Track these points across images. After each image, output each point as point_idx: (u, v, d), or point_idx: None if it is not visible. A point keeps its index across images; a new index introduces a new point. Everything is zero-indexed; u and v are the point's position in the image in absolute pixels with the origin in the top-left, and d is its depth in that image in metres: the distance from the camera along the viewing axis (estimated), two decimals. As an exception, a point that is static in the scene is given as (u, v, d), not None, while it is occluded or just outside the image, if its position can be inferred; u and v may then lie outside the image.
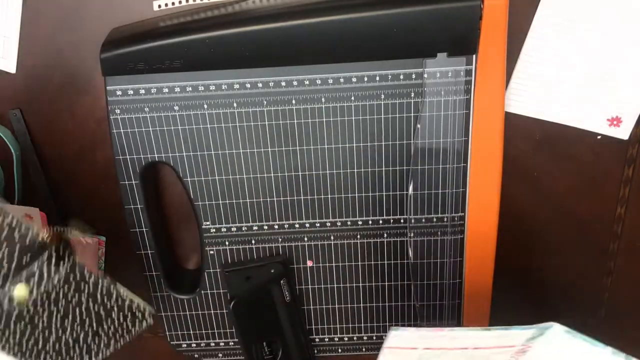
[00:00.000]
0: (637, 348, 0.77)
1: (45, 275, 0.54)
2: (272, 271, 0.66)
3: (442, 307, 0.70)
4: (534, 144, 0.67)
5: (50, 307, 0.56)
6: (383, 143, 0.63)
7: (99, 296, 0.58)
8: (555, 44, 0.62)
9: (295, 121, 0.62)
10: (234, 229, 0.66)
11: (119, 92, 0.60)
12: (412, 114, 0.61)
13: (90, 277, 0.57)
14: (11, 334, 0.55)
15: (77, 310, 0.58)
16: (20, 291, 0.53)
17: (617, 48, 0.62)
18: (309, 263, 0.68)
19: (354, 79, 0.60)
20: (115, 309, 0.60)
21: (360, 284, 0.69)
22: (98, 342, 0.61)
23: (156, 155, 0.63)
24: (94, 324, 0.59)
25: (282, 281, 0.66)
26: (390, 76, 0.60)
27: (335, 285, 0.69)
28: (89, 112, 0.66)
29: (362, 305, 0.70)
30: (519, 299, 0.73)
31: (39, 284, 0.54)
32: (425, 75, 0.60)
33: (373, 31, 0.57)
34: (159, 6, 0.62)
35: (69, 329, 0.58)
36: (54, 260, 0.54)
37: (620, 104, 0.64)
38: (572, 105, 0.64)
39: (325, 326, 0.71)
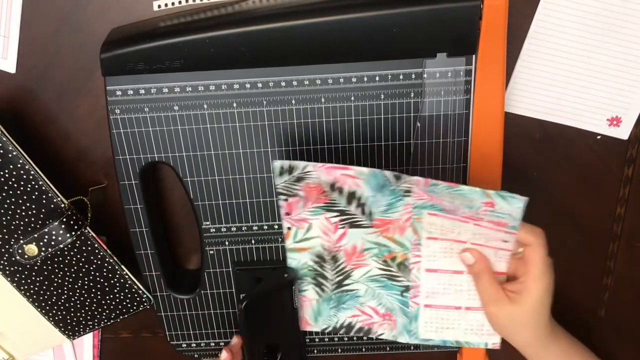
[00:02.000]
0: (637, 348, 0.77)
1: (55, 238, 0.61)
2: (286, 275, 0.65)
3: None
4: (534, 144, 0.67)
5: (64, 269, 0.65)
6: (383, 143, 0.63)
7: (105, 271, 0.66)
8: (555, 44, 0.62)
9: (295, 121, 0.62)
10: (234, 229, 0.66)
11: (119, 92, 0.60)
12: (412, 114, 0.61)
13: (100, 252, 0.65)
14: (32, 283, 0.66)
15: (86, 278, 0.66)
16: (30, 247, 0.62)
17: (617, 48, 0.62)
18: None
19: (354, 79, 0.60)
20: (118, 286, 0.67)
21: (360, 284, 0.69)
22: (100, 312, 0.69)
23: (156, 155, 0.63)
24: (99, 295, 0.67)
25: (294, 287, 0.65)
26: (390, 76, 0.60)
27: (335, 285, 0.69)
28: (89, 112, 0.66)
29: (362, 305, 0.70)
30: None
31: (49, 245, 0.62)
32: (425, 75, 0.60)
33: (373, 31, 0.57)
34: (159, 6, 0.62)
35: (78, 292, 0.67)
36: (65, 227, 0.61)
37: (620, 104, 0.64)
38: (572, 105, 0.64)
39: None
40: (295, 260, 0.65)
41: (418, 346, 0.73)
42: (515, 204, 0.54)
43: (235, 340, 0.68)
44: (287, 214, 0.62)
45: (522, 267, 0.58)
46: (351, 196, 0.59)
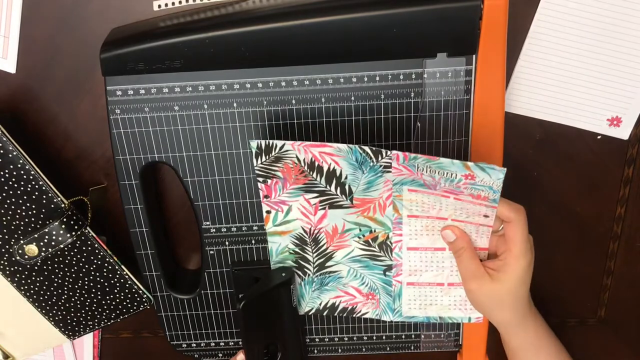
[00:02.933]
0: (637, 348, 0.77)
1: (55, 238, 0.61)
2: (283, 274, 0.65)
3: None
4: (534, 144, 0.67)
5: (64, 269, 0.65)
6: (383, 143, 0.62)
7: (105, 271, 0.66)
8: (555, 44, 0.62)
9: (295, 121, 0.62)
10: (234, 229, 0.66)
11: (119, 92, 0.60)
12: (412, 114, 0.61)
13: (100, 252, 0.64)
14: (32, 283, 0.66)
15: (86, 278, 0.66)
16: (30, 247, 0.62)
17: (617, 48, 0.62)
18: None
19: (354, 79, 0.60)
20: (118, 286, 0.67)
21: (360, 284, 0.69)
22: (100, 312, 0.69)
23: (156, 155, 0.63)
24: (99, 295, 0.67)
25: (292, 286, 0.65)
26: (390, 76, 0.60)
27: (335, 285, 0.69)
28: (89, 112, 0.66)
29: (362, 305, 0.70)
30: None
31: (49, 245, 0.62)
32: (425, 75, 0.60)
33: (373, 31, 0.57)
34: (159, 6, 0.62)
35: (78, 292, 0.67)
36: (65, 227, 0.61)
37: (620, 104, 0.64)
38: (572, 105, 0.64)
39: (326, 326, 0.71)
40: (276, 244, 0.65)
41: (418, 346, 0.73)
42: (495, 175, 0.54)
43: (240, 356, 0.68)
44: (266, 196, 0.62)
45: (503, 244, 0.58)
46: (331, 175, 0.59)
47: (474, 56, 0.59)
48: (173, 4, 0.62)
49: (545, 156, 0.67)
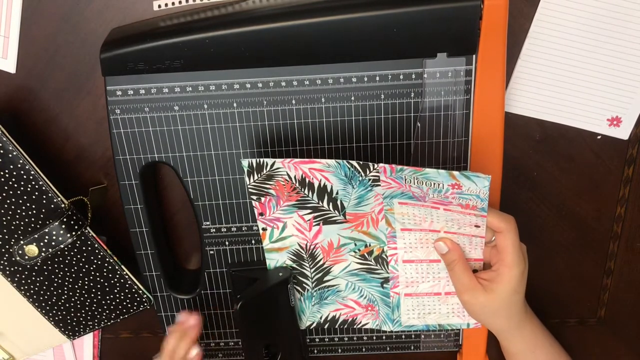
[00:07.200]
0: (637, 348, 0.77)
1: (55, 238, 0.61)
2: (280, 274, 0.65)
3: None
4: (534, 144, 0.67)
5: (64, 269, 0.65)
6: (383, 143, 0.63)
7: (105, 271, 0.66)
8: (555, 44, 0.62)
9: (295, 121, 0.62)
10: (234, 229, 0.66)
11: (119, 92, 0.60)
12: (412, 114, 0.61)
13: (100, 252, 0.64)
14: (32, 283, 0.66)
15: (86, 278, 0.66)
16: (30, 248, 0.62)
17: (617, 48, 0.62)
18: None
19: (354, 79, 0.60)
20: (118, 286, 0.67)
21: (360, 284, 0.69)
22: (100, 312, 0.69)
23: (156, 155, 0.63)
24: (99, 295, 0.67)
25: (289, 285, 0.65)
26: (390, 76, 0.60)
27: (335, 285, 0.69)
28: (89, 112, 0.66)
29: (362, 305, 0.70)
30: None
31: (49, 245, 0.62)
32: (425, 75, 0.60)
33: (373, 31, 0.57)
34: (159, 6, 0.62)
35: (78, 292, 0.67)
36: (65, 227, 0.61)
37: (620, 104, 0.64)
38: (572, 105, 0.64)
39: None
40: (274, 260, 0.65)
41: (418, 346, 0.73)
42: (480, 183, 0.54)
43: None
44: (261, 214, 0.62)
45: (496, 255, 0.58)
46: (322, 191, 0.59)
47: (474, 56, 0.59)
48: (173, 4, 0.62)
49: (545, 156, 0.67)
